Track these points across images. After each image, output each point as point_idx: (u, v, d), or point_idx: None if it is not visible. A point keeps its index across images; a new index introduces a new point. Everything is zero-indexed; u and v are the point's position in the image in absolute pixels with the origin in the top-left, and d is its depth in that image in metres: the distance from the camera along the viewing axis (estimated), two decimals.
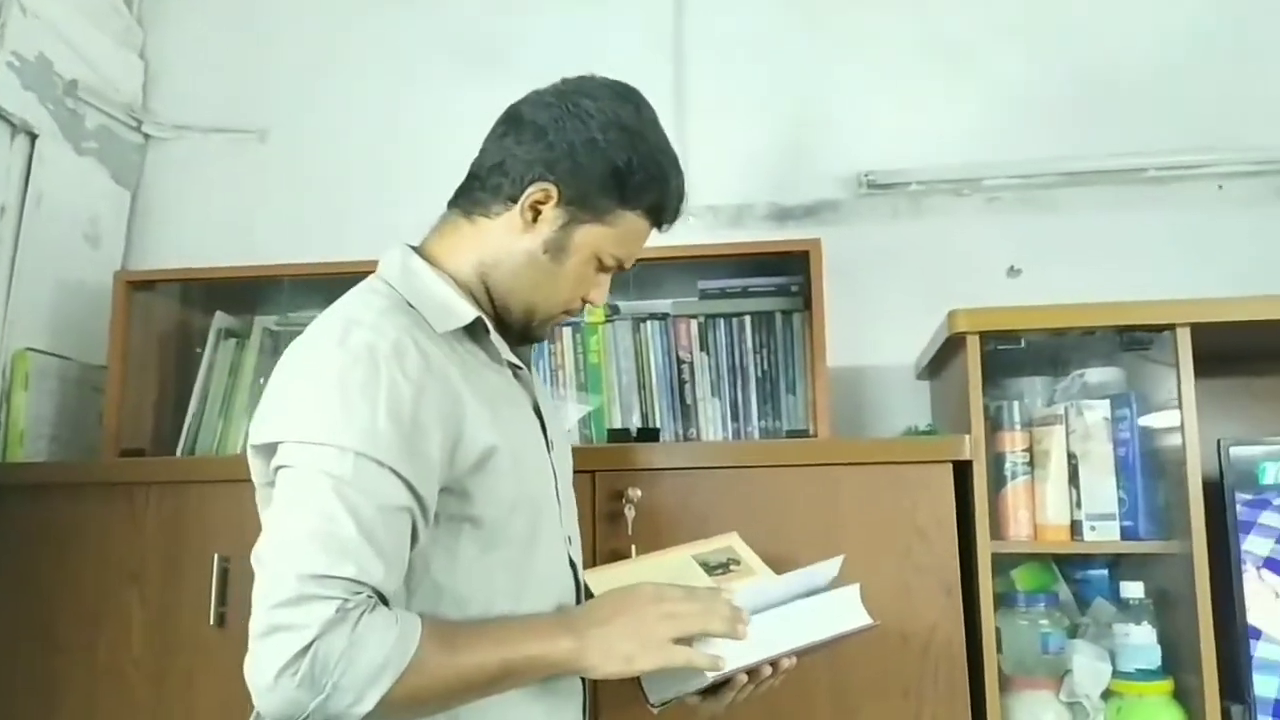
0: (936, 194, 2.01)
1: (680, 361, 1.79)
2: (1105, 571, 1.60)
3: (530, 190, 1.08)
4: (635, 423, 1.77)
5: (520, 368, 1.14)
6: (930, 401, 1.90)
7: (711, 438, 1.76)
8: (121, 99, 2.16)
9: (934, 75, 2.04)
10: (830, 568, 1.11)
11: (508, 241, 1.10)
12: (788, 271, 1.81)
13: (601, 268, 1.14)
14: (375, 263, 1.85)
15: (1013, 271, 1.96)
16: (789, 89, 2.09)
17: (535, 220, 1.09)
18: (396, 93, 2.19)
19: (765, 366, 1.77)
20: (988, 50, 2.02)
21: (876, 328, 1.96)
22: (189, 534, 1.61)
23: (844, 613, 1.10)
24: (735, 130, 2.07)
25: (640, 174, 1.10)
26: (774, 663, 1.06)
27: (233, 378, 1.93)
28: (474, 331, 1.09)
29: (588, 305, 1.18)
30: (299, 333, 1.86)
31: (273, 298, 1.98)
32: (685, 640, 1.01)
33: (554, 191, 1.08)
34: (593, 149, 1.08)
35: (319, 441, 0.93)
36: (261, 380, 1.89)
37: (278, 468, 0.96)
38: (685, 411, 1.78)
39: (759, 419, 1.76)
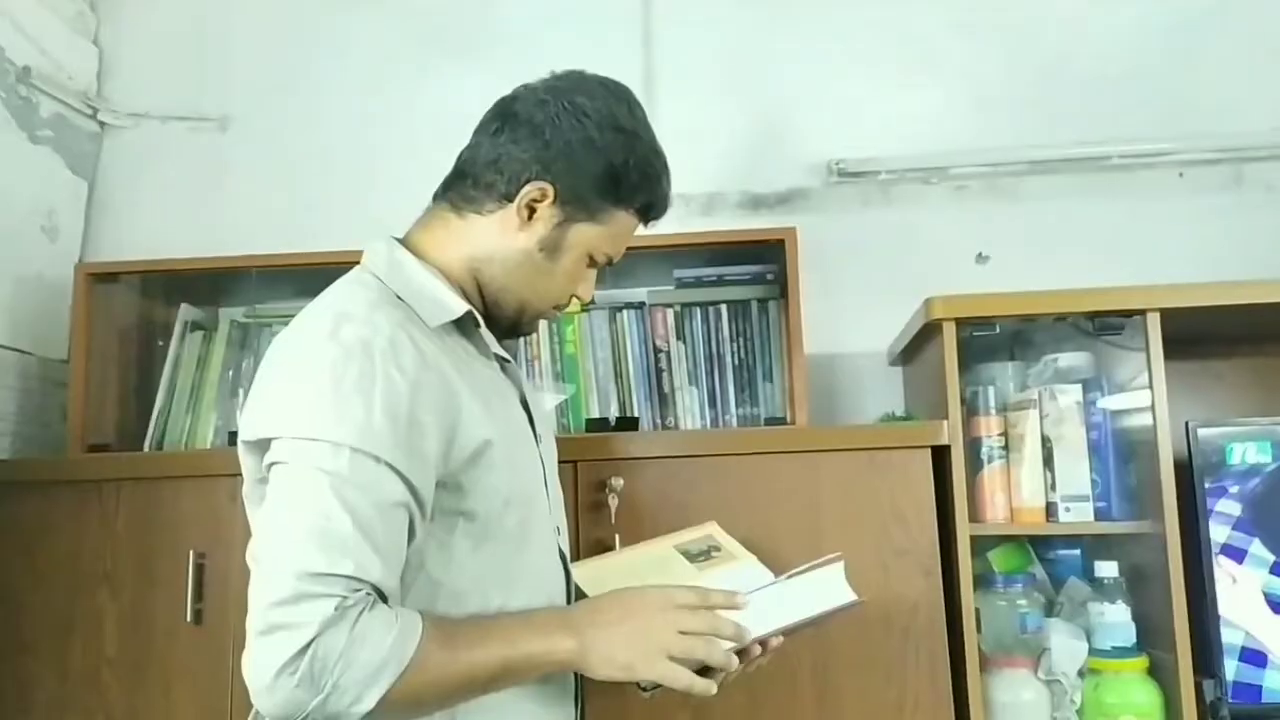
0: (905, 182, 2.02)
1: (657, 350, 1.79)
2: (1078, 551, 1.64)
3: (526, 189, 1.08)
4: (613, 412, 1.77)
5: (508, 360, 1.14)
6: (904, 387, 1.93)
7: (689, 426, 1.76)
8: (76, 86, 2.10)
9: (902, 65, 2.05)
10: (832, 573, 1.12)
11: (502, 239, 1.10)
12: (763, 260, 1.82)
13: (592, 264, 1.15)
14: (345, 254, 1.82)
15: (981, 258, 1.99)
16: (759, 77, 2.09)
17: (530, 219, 1.09)
18: (363, 79, 2.15)
19: (742, 355, 1.78)
20: (955, 40, 2.04)
21: (849, 315, 1.98)
22: (161, 531, 1.58)
23: (830, 590, 1.11)
24: (706, 118, 2.07)
25: (635, 174, 1.10)
26: (763, 642, 1.07)
27: (200, 371, 1.89)
28: (463, 325, 1.08)
29: (574, 300, 1.18)
30: (267, 325, 1.91)
31: (239, 289, 1.95)
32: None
33: (550, 190, 1.08)
34: (589, 148, 1.08)
35: (314, 437, 0.92)
36: (230, 373, 1.87)
37: (271, 464, 0.95)
38: (663, 400, 1.78)
39: (736, 407, 1.77)
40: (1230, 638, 1.45)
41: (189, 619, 1.54)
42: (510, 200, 1.08)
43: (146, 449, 1.83)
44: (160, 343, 1.95)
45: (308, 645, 0.85)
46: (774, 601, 1.07)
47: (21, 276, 1.92)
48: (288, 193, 2.13)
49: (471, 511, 1.01)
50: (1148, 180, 1.97)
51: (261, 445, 0.97)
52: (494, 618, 1.00)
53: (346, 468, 0.91)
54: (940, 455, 1.50)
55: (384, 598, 0.92)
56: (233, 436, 1.75)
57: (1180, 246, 1.92)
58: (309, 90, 2.16)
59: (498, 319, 1.13)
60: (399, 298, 1.05)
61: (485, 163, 1.10)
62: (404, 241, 1.13)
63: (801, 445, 1.52)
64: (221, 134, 2.18)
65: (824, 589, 1.10)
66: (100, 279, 1.87)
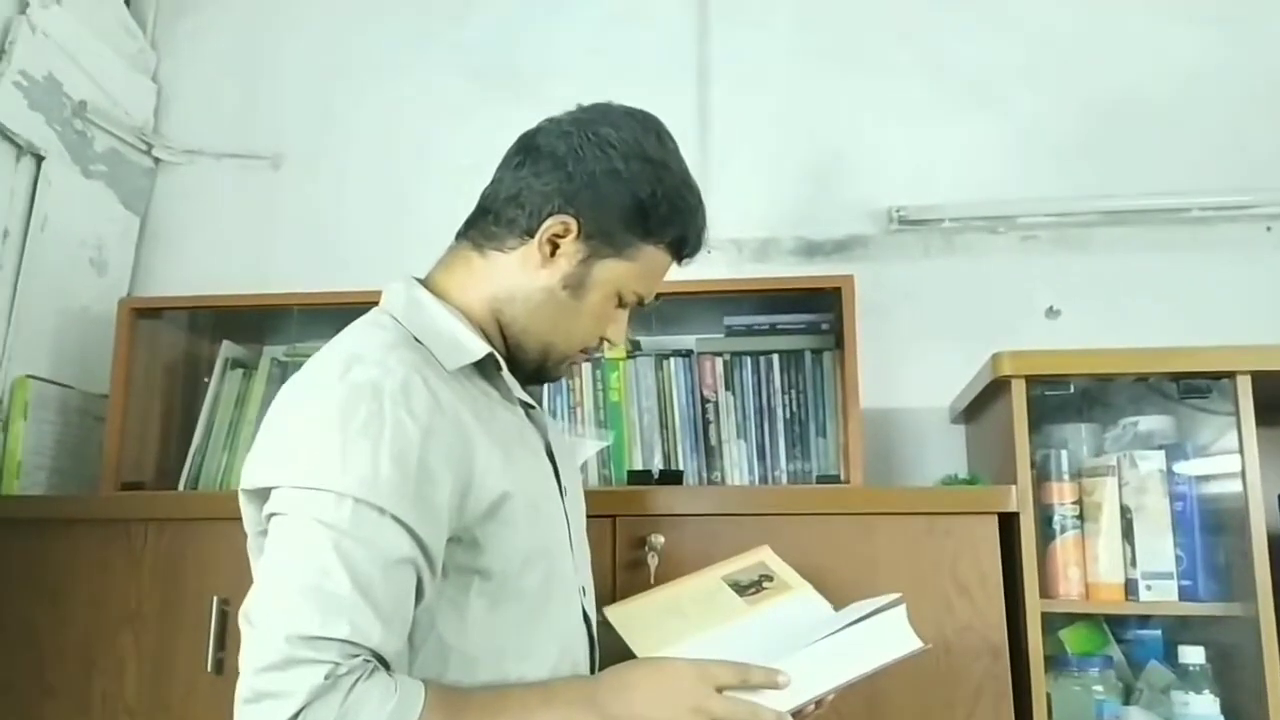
0: (970, 231, 1.94)
1: (704, 401, 1.71)
2: (1159, 632, 1.51)
3: (548, 223, 1.02)
4: (657, 464, 1.69)
5: (533, 406, 1.07)
6: (966, 447, 1.82)
7: (736, 481, 1.68)
8: (132, 122, 2.11)
9: (967, 108, 1.98)
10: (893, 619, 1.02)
11: (524, 277, 1.04)
12: (816, 308, 1.74)
13: (621, 304, 1.08)
14: (373, 293, 1.82)
15: (1051, 313, 1.88)
16: (815, 120, 2.03)
17: (553, 255, 1.03)
18: (415, 118, 2.14)
19: (793, 407, 1.69)
20: (1023, 83, 1.96)
21: (907, 369, 1.88)
22: (188, 574, 1.54)
23: (892, 638, 1.01)
24: (760, 161, 2.01)
25: (664, 206, 1.04)
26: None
27: (239, 409, 1.85)
28: (484, 368, 1.02)
29: (605, 343, 1.11)
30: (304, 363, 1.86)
31: (282, 327, 1.92)
32: None
33: (573, 225, 1.02)
34: (614, 180, 1.02)
35: (314, 486, 0.86)
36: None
37: (270, 515, 0.89)
38: (709, 453, 1.69)
39: (786, 462, 1.68)
40: None
41: (210, 668, 1.48)
42: (532, 236, 1.02)
43: (181, 488, 1.80)
44: (202, 380, 1.92)
45: (295, 716, 0.78)
46: (831, 654, 0.97)
47: (67, 309, 1.92)
48: (338, 231, 2.11)
49: (487, 569, 0.94)
50: (1231, 234, 1.85)
51: (261, 494, 0.91)
52: (508, 689, 0.93)
53: (348, 520, 0.84)
54: (1007, 523, 1.39)
55: (385, 664, 0.85)
56: None
57: (1267, 306, 1.80)
58: (362, 129, 2.15)
59: (521, 363, 1.07)
60: (416, 339, 0.99)
61: (506, 198, 1.04)
62: (425, 282, 1.07)
63: (857, 507, 1.43)
64: (274, 172, 2.17)
65: (885, 637, 1.00)
66: (144, 314, 1.85)
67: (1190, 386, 1.38)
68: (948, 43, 2.00)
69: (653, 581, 1.38)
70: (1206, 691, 1.33)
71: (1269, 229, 1.85)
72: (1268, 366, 1.34)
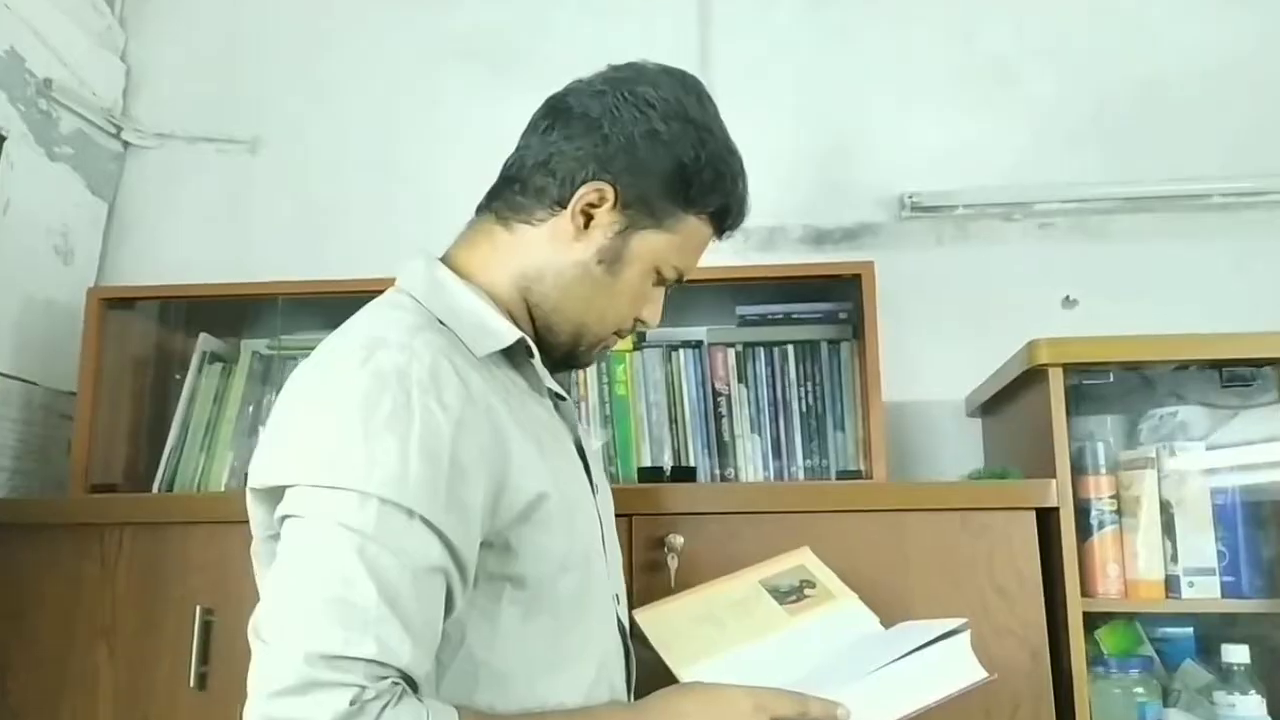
0: (985, 218, 1.87)
1: (716, 394, 1.63)
2: (1190, 630, 1.45)
3: (582, 191, 0.92)
4: (667, 461, 1.61)
5: (564, 398, 0.97)
6: (983, 441, 1.76)
7: (750, 478, 1.59)
8: (100, 103, 1.99)
9: (978, 94, 1.91)
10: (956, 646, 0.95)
11: (555, 252, 0.94)
12: (831, 297, 1.67)
13: (659, 281, 0.99)
14: (377, 282, 1.71)
15: (1068, 302, 1.82)
16: (822, 106, 1.96)
17: (587, 226, 0.93)
18: (401, 100, 2.03)
19: (810, 400, 1.62)
20: (1040, 66, 1.90)
21: (920, 361, 1.81)
22: (167, 582, 1.43)
23: (955, 667, 0.93)
24: (766, 148, 1.89)
25: (708, 172, 0.94)
26: None
27: (217, 406, 1.74)
28: (512, 355, 0.92)
29: (639, 325, 1.01)
30: (292, 357, 1.76)
31: (263, 319, 1.81)
32: None
33: (609, 192, 0.93)
34: (654, 142, 0.93)
35: (335, 485, 0.76)
36: (250, 409, 1.72)
37: (284, 517, 0.79)
38: (721, 449, 1.61)
39: (803, 458, 1.60)
40: None
41: (192, 683, 1.37)
42: (564, 206, 0.93)
43: (155, 490, 1.68)
44: (177, 376, 1.80)
45: None
46: (891, 685, 0.89)
47: (31, 300, 1.79)
48: (320, 218, 2.00)
49: (521, 577, 0.85)
50: (1254, 221, 1.80)
51: (274, 494, 0.81)
52: (546, 716, 0.83)
53: (373, 523, 0.75)
54: (1043, 519, 1.32)
55: (413, 685, 0.75)
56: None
57: None
58: (343, 113, 2.04)
59: (550, 347, 0.97)
60: (440, 323, 0.89)
61: (534, 164, 0.95)
62: (444, 260, 0.97)
63: (888, 503, 1.35)
64: (251, 156, 2.06)
65: (947, 666, 0.93)
66: (114, 304, 1.73)
67: (1234, 374, 1.32)
68: (962, 25, 1.94)
69: (673, 584, 1.30)
70: (1253, 692, 1.27)
71: None
72: None
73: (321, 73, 2.06)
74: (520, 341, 0.91)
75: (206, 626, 1.39)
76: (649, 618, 1.03)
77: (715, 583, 1.12)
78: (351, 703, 0.69)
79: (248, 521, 1.40)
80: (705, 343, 1.66)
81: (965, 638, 0.94)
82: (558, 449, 0.92)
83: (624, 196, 0.93)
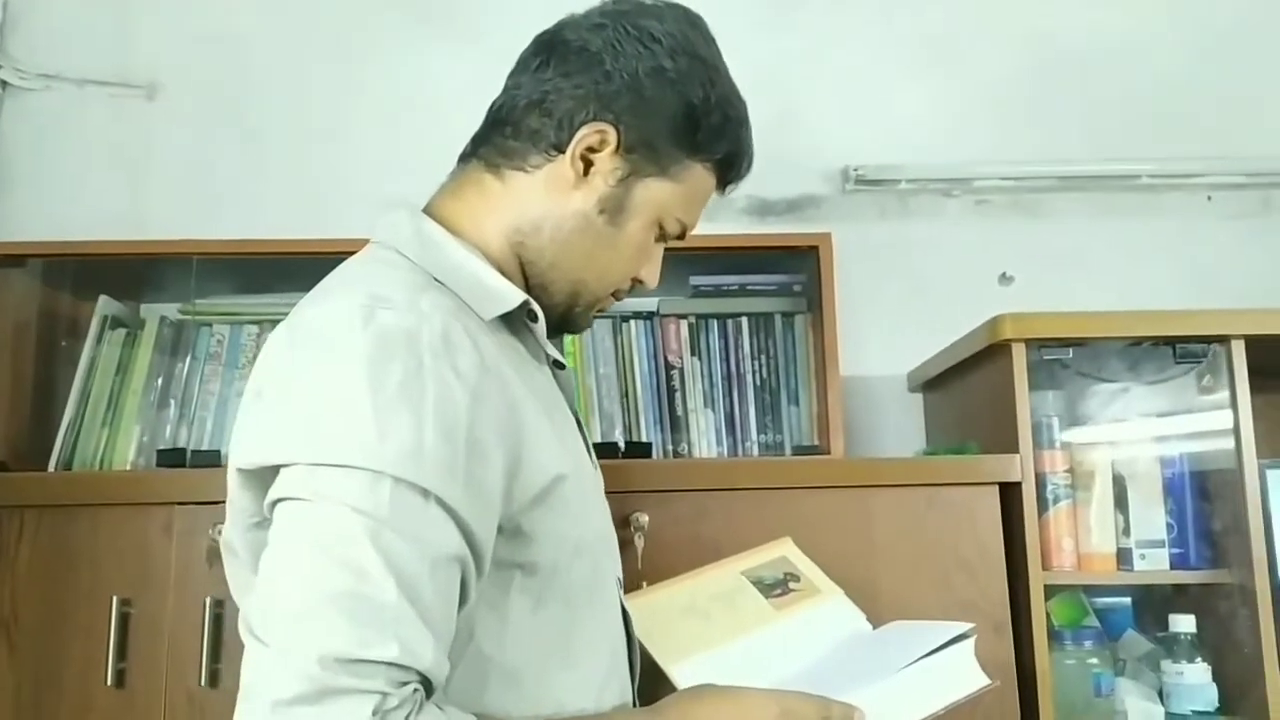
0: (926, 193, 1.87)
1: (669, 367, 1.58)
2: (1129, 600, 1.49)
3: (582, 133, 0.84)
4: (618, 436, 1.55)
5: (563, 365, 0.90)
6: (924, 417, 1.77)
7: (704, 453, 1.56)
8: None
9: (922, 70, 1.91)
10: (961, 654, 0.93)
11: (552, 202, 0.86)
12: (781, 269, 1.63)
13: (661, 236, 0.91)
14: (304, 243, 1.59)
15: (1005, 279, 1.85)
16: (767, 77, 1.89)
17: (586, 173, 0.85)
18: (314, 47, 1.89)
19: (764, 374, 1.59)
20: (979, 43, 1.91)
21: (862, 335, 1.80)
22: (76, 571, 1.29)
23: (959, 674, 0.92)
24: None
25: (716, 115, 0.87)
26: None
27: (121, 376, 1.59)
28: (510, 319, 0.84)
29: (637, 285, 0.94)
30: (207, 324, 1.62)
31: (171, 281, 1.66)
32: None
33: (612, 135, 0.85)
34: (660, 80, 0.85)
35: (343, 463, 0.67)
36: (159, 380, 1.58)
37: (278, 501, 0.69)
38: (674, 424, 1.57)
39: (757, 433, 1.57)
40: None
41: (109, 681, 1.24)
42: (561, 150, 0.85)
43: (52, 469, 1.52)
44: (64, 342, 1.64)
45: None
46: (899, 692, 0.87)
47: None
48: (223, 174, 1.85)
49: (533, 564, 0.78)
50: (1176, 202, 1.86)
51: (264, 475, 0.71)
52: None
53: (387, 506, 0.66)
54: (1003, 494, 1.33)
55: (429, 690, 0.67)
56: (164, 455, 1.48)
57: (1206, 274, 1.82)
58: (250, 59, 1.88)
59: (545, 309, 0.88)
60: (438, 282, 0.81)
61: (527, 104, 0.86)
62: (428, 213, 0.88)
63: (854, 480, 1.33)
64: (148, 103, 1.88)
65: (952, 673, 0.91)
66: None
67: (1186, 351, 1.35)
68: (901, 3, 1.92)
69: (640, 564, 1.25)
70: (1200, 660, 1.32)
71: (1210, 198, 1.87)
72: (1263, 330, 1.33)
73: (226, 13, 1.89)
74: (524, 304, 0.83)
75: (124, 619, 1.26)
76: (635, 607, 0.98)
77: (698, 572, 1.08)
78: (375, 713, 0.61)
79: (168, 503, 1.31)
80: (658, 314, 1.61)
81: (970, 645, 0.93)
82: (564, 423, 0.86)
83: (627, 140, 0.85)
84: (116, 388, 1.58)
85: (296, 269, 1.60)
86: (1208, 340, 1.35)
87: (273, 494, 0.70)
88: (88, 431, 1.56)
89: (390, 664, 0.63)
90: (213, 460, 1.48)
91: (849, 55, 1.91)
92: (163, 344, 1.60)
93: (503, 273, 0.85)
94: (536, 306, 0.84)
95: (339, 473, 0.67)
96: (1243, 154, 1.85)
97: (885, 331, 1.82)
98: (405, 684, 0.64)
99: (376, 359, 0.69)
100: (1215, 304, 1.52)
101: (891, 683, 0.87)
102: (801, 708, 0.80)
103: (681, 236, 0.93)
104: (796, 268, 1.61)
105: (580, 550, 0.81)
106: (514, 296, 0.82)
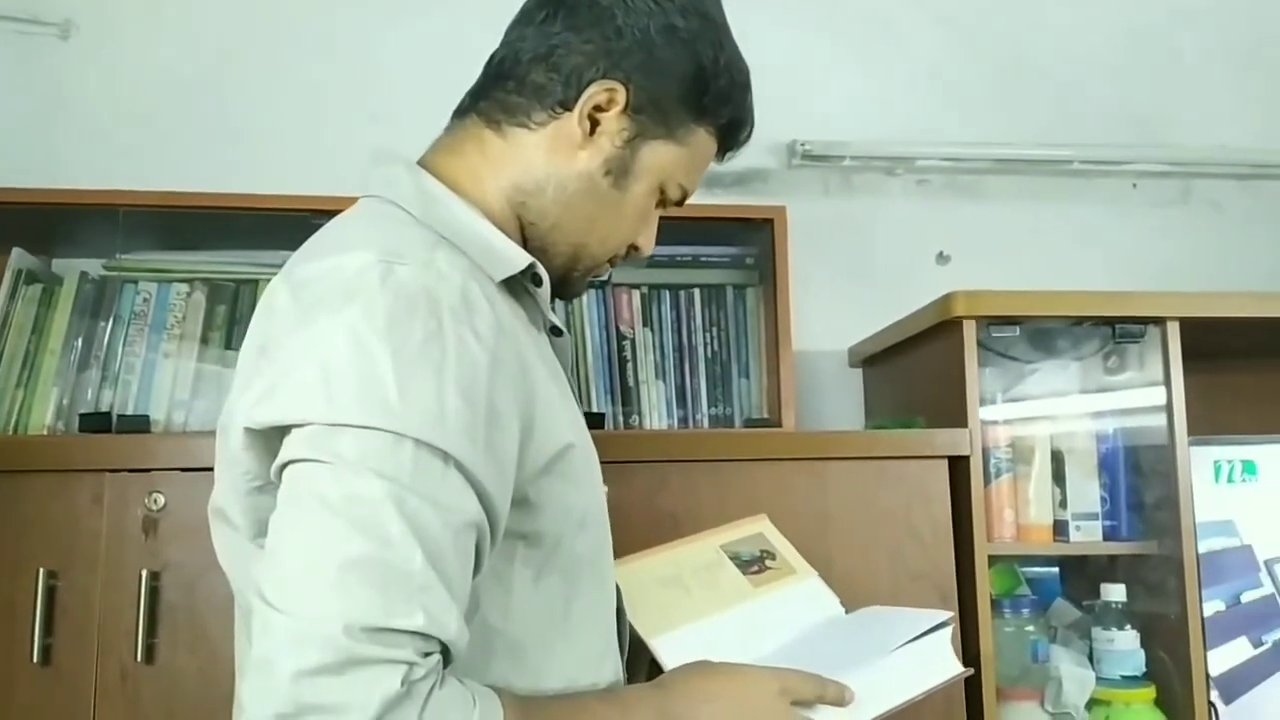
0: (869, 171, 1.90)
1: (621, 337, 1.57)
2: (1057, 570, 1.55)
3: (591, 91, 0.82)
4: None
5: (561, 331, 0.88)
6: (864, 392, 1.80)
7: (654, 425, 1.55)
8: None
9: (867, 48, 1.92)
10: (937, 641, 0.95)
11: (556, 161, 0.83)
12: (734, 241, 1.64)
13: (661, 201, 0.90)
14: (240, 197, 1.51)
15: (942, 258, 1.89)
16: None
17: (593, 132, 0.83)
18: None
19: (715, 346, 1.59)
20: (921, 24, 1.93)
21: (804, 310, 1.81)
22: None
23: (935, 662, 0.94)
24: None
25: (724, 78, 0.86)
26: None
27: (37, 335, 1.49)
28: (510, 283, 0.81)
29: (633, 252, 0.92)
30: (133, 280, 1.53)
31: (92, 234, 1.56)
32: None
33: (620, 94, 0.82)
34: (672, 39, 0.83)
35: (363, 424, 0.64)
36: (79, 340, 1.49)
37: (289, 463, 0.66)
38: (625, 395, 1.55)
39: (708, 405, 1.57)
40: None
41: (35, 658, 1.17)
42: (568, 107, 0.82)
43: None
44: None
45: None
46: (883, 676, 0.88)
47: None
48: (145, 121, 1.74)
49: (537, 534, 0.76)
50: (1104, 189, 1.93)
51: (272, 436, 0.68)
52: (580, 699, 0.77)
53: (409, 470, 0.64)
54: (951, 467, 1.36)
55: (447, 661, 0.66)
56: (86, 419, 1.40)
57: (1132, 259, 1.89)
58: None
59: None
60: (447, 241, 0.77)
61: (533, 58, 0.83)
62: (425, 169, 0.84)
63: (809, 452, 1.35)
64: (62, 41, 1.76)
65: (929, 660, 0.93)
66: None
67: (1125, 330, 1.40)
68: None
69: None
70: (1129, 628, 1.38)
71: (1135, 185, 1.94)
72: (1196, 313, 1.39)
73: None
74: (530, 267, 0.80)
75: (50, 592, 1.19)
76: (620, 573, 0.97)
77: (678, 544, 1.08)
78: (402, 683, 0.59)
79: (97, 470, 1.24)
80: (609, 282, 1.59)
81: (948, 634, 0.95)
82: (568, 389, 0.84)
83: (635, 100, 0.83)
84: (32, 347, 1.49)
85: (230, 224, 1.54)
86: (1145, 321, 1.41)
87: (284, 455, 0.66)
88: (1, 394, 1.46)
89: (416, 633, 0.61)
90: (142, 425, 1.41)
91: (800, 30, 1.90)
92: (83, 301, 1.51)
93: (505, 233, 0.82)
94: (542, 270, 0.82)
95: (359, 434, 0.64)
96: (1165, 143, 1.93)
97: (826, 306, 1.83)
98: (430, 655, 0.62)
99: (396, 317, 0.66)
100: (1138, 287, 1.59)
101: (874, 668, 0.88)
102: (799, 685, 0.81)
103: (680, 203, 0.91)
104: (747, 240, 1.61)
105: (584, 523, 0.80)
106: (520, 259, 0.80)
